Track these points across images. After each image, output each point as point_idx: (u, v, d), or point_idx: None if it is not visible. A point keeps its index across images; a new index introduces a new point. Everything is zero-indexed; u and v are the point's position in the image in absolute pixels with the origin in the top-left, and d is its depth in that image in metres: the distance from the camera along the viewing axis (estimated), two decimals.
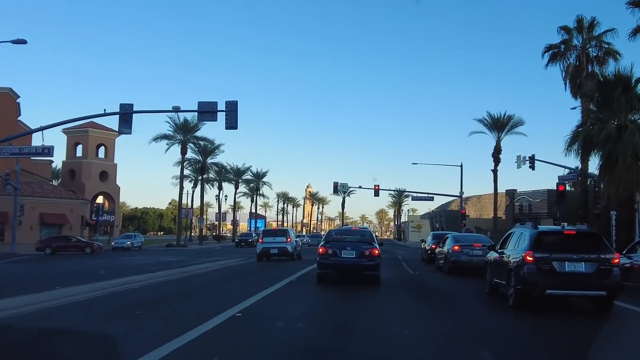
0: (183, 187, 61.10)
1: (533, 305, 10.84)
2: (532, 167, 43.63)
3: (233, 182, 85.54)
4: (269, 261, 26.89)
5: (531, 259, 10.73)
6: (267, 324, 8.29)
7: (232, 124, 25.55)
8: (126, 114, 25.55)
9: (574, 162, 52.26)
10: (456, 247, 20.27)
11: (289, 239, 27.34)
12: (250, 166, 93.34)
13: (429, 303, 12.08)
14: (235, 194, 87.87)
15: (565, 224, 12.25)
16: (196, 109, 26.29)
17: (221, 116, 26.46)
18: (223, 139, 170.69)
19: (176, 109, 26.93)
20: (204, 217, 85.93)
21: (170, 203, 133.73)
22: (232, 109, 25.45)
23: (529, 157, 44.02)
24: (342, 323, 8.78)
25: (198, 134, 61.90)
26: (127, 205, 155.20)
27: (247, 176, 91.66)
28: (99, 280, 15.36)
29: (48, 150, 31.33)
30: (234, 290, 13.60)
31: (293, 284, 15.35)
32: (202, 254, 40.00)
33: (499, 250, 13.05)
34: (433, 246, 25.73)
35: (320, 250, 14.94)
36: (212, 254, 37.99)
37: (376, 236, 19.99)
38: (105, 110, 27.13)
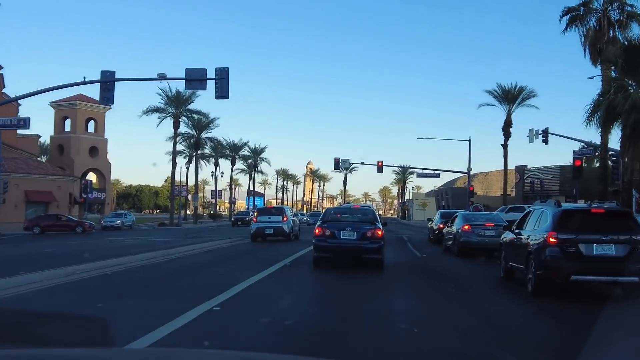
0: (176, 164, 60.13)
1: (555, 292, 10.13)
2: (546, 141, 42.95)
3: (229, 159, 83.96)
4: (264, 242, 26.36)
5: (554, 240, 10.04)
6: (248, 321, 7.16)
7: (222, 93, 24.32)
8: (108, 82, 24.28)
9: (594, 134, 50.97)
10: (466, 227, 19.36)
11: (285, 218, 26.47)
12: (248, 141, 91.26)
13: (439, 291, 11.20)
14: (232, 170, 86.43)
15: (596, 202, 11.08)
16: (184, 76, 24.92)
17: (211, 86, 25.17)
18: (218, 112, 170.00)
19: (162, 77, 25.61)
20: (199, 195, 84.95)
21: (166, 180, 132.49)
22: (222, 76, 24.19)
23: (542, 131, 43.24)
24: (338, 319, 7.70)
25: (192, 106, 60.69)
26: (122, 182, 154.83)
27: (245, 152, 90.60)
28: (71, 264, 14.33)
29: (24, 122, 30.12)
30: (217, 277, 12.55)
31: (287, 269, 14.48)
32: (194, 233, 39.39)
33: (516, 231, 12.34)
34: (441, 225, 24.82)
35: (317, 231, 13.97)
36: (205, 234, 37.44)
37: (379, 215, 19.10)
38: (85, 78, 25.85)
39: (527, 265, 10.81)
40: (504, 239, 12.91)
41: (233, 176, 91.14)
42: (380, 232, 13.82)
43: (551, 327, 7.58)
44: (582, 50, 39.02)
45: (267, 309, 8.22)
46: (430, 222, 28.78)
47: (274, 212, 27.12)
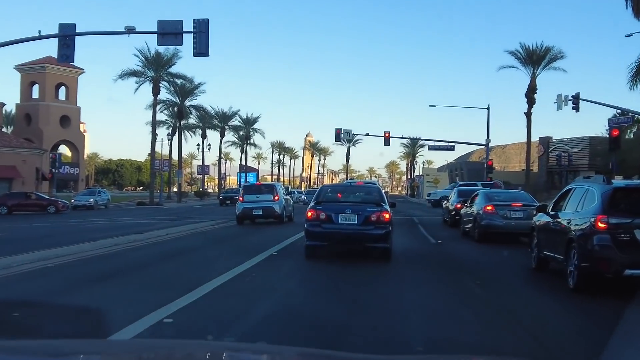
0: (157, 135, 58.82)
1: (603, 287, 9.35)
2: (576, 108, 41.56)
3: (218, 129, 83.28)
4: (252, 224, 25.84)
5: (604, 225, 9.25)
6: (202, 338, 5.61)
7: (201, 49, 22.77)
8: (67, 37, 22.58)
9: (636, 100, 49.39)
10: (489, 208, 18.32)
11: (276, 197, 25.84)
12: (238, 110, 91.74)
13: (462, 290, 9.92)
14: (221, 142, 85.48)
15: None
16: (155, 30, 23.21)
17: (190, 42, 23.49)
18: (205, 77, 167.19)
19: (130, 30, 23.90)
20: (186, 170, 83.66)
21: (149, 154, 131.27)
22: (201, 29, 22.56)
23: (572, 96, 41.99)
24: (332, 333, 6.19)
25: (173, 70, 59.12)
26: (100, 156, 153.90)
27: (235, 122, 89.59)
28: (17, 253, 13.02)
29: None
30: (182, 273, 11.17)
31: (272, 261, 13.32)
32: (175, 214, 38.81)
33: (552, 213, 11.59)
34: (458, 205, 23.87)
35: (309, 213, 12.91)
36: (187, 215, 36.87)
37: (386, 192, 18.04)
38: (40, 32, 24.08)
39: (568, 256, 10.03)
40: (537, 223, 12.22)
41: (223, 149, 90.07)
42: (387, 215, 12.81)
43: (602, 334, 6.22)
44: (620, 1, 37.09)
45: (233, 323, 6.71)
46: (446, 202, 27.74)
47: (263, 190, 26.48)
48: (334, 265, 12.48)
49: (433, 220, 30.17)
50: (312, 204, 13.42)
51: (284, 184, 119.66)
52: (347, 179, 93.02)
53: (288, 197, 29.80)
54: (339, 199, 13.93)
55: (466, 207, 21.02)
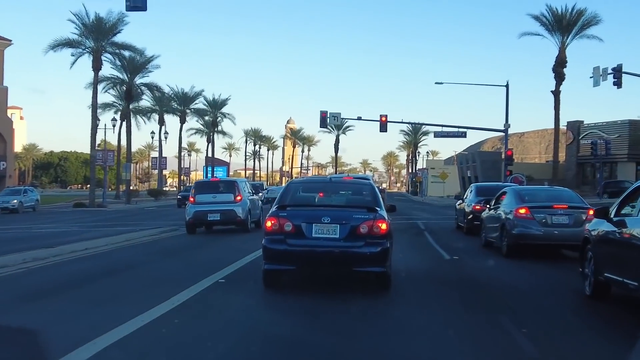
0: (98, 120, 56.00)
1: None
2: (618, 82, 40.71)
3: (178, 114, 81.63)
4: (208, 233, 25.14)
5: None
6: None
7: (137, 1, 20.13)
8: None
9: None
10: (522, 211, 16.67)
11: (238, 197, 24.43)
12: (203, 90, 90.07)
13: (505, 347, 7.61)
14: (182, 130, 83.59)
15: None
16: None
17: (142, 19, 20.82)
18: (159, 50, 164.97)
19: None
20: (140, 164, 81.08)
21: (99, 145, 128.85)
22: None
23: (614, 69, 40.82)
24: None
25: (119, 39, 56.69)
26: (40, 148, 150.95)
27: (199, 105, 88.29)
28: None
29: None
30: (56, 324, 8.49)
31: (215, 293, 11.26)
32: (118, 219, 38.06)
33: (617, 219, 10.28)
34: (477, 207, 22.50)
35: (269, 223, 11.02)
36: (133, 219, 36.24)
37: (383, 190, 15.84)
38: None
39: None
40: (594, 233, 11.05)
41: (185, 138, 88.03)
42: (384, 225, 10.92)
43: None
44: None
45: None
46: (460, 202, 26.43)
47: (222, 189, 25.32)
48: (306, 301, 10.52)
49: (443, 226, 29.50)
50: (273, 208, 11.43)
51: (260, 180, 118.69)
52: (336, 174, 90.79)
53: (255, 196, 28.71)
54: (314, 202, 12.21)
55: (489, 209, 19.48)
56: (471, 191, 25.22)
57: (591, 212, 15.63)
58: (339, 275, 11.96)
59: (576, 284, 11.45)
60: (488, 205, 19.82)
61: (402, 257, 15.32)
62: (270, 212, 11.48)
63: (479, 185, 26.92)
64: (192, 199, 24.74)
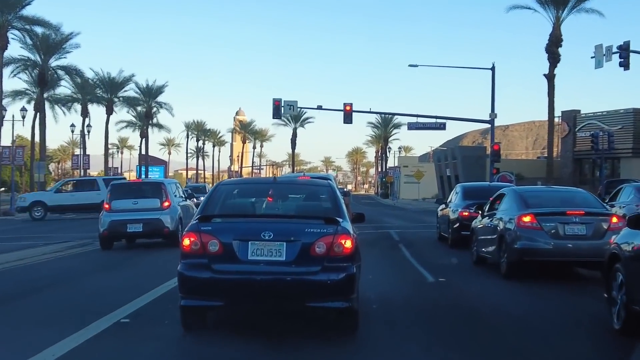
0: (4, 110, 54.01)
1: None
2: (625, 63, 40.40)
3: (104, 103, 79.82)
4: (129, 248, 24.40)
5: None
6: None
7: None
8: None
9: None
10: (527, 218, 15.84)
11: (166, 203, 23.64)
12: (134, 75, 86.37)
13: None
14: (108, 122, 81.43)
15: None
16: None
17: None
18: (81, 27, 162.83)
19: None
20: (62, 163, 78.96)
21: (15, 140, 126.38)
22: None
23: (620, 47, 40.40)
24: None
25: (28, 12, 55.41)
26: None
27: (130, 92, 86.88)
28: None
29: None
30: None
31: (111, 343, 9.98)
32: (25, 228, 37.19)
33: None
34: (465, 213, 22.01)
35: (186, 241, 9.84)
36: (42, 230, 34.81)
37: (347, 192, 14.91)
38: None
39: None
40: (627, 248, 10.37)
41: (115, 133, 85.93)
42: (348, 243, 9.77)
43: None
44: None
45: None
46: (443, 208, 25.93)
47: (146, 193, 24.75)
48: (239, 352, 9.45)
49: (422, 236, 29.12)
50: (193, 220, 10.25)
51: (205, 182, 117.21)
52: (294, 173, 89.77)
53: (189, 202, 28.04)
54: (252, 211, 11.24)
55: (482, 216, 18.74)
56: (457, 193, 24.74)
57: (615, 219, 15.21)
58: (286, 313, 10.73)
59: (600, 313, 11.03)
60: (480, 212, 19.11)
61: (372, 279, 14.44)
62: (188, 225, 10.20)
63: (467, 186, 26.31)
64: (106, 206, 23.72)
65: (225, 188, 11.62)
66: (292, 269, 9.54)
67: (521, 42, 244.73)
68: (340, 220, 10.02)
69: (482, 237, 18.25)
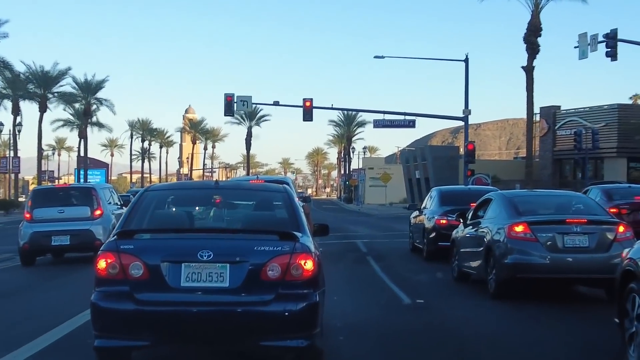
0: None
1: None
2: (613, 53, 40.43)
3: (37, 99, 78.26)
4: (55, 263, 23.77)
5: None
6: None
7: None
8: None
9: None
10: (519, 228, 15.05)
11: (98, 211, 22.84)
12: (70, 69, 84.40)
13: None
14: (41, 120, 79.64)
15: None
16: None
17: None
18: (8, 14, 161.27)
19: None
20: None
21: None
22: None
23: (606, 35, 40.51)
24: None
25: None
26: None
27: (66, 87, 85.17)
28: None
29: None
30: None
31: None
32: None
33: None
34: (443, 221, 21.45)
35: (102, 262, 8.68)
36: None
37: (309, 197, 13.87)
38: None
39: None
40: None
41: (51, 132, 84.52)
42: (309, 264, 8.76)
43: None
44: None
45: None
46: (417, 215, 25.28)
47: (74, 199, 23.99)
48: None
49: (392, 246, 28.56)
50: (111, 237, 9.18)
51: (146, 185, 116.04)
52: (249, 176, 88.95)
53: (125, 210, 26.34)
54: (186, 224, 10.04)
55: (465, 225, 17.99)
56: (432, 198, 24.14)
57: (621, 228, 14.54)
58: (230, 355, 9.67)
59: (610, 341, 10.40)
60: (462, 220, 18.39)
61: (338, 301, 13.65)
62: (105, 243, 9.15)
63: (444, 190, 25.76)
64: (27, 215, 22.94)
65: (153, 195, 10.45)
66: (238, 298, 8.51)
67: (495, 34, 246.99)
68: (299, 235, 8.98)
69: (465, 250, 17.56)
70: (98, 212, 22.93)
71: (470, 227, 17.38)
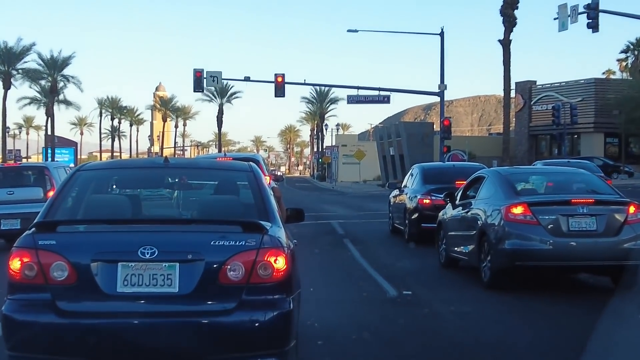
0: None
1: None
2: (594, 24, 39.32)
3: (1, 77, 76.87)
4: (8, 251, 21.29)
5: None
6: None
7: None
8: None
9: None
10: (518, 209, 13.69)
11: (51, 193, 20.81)
12: (34, 44, 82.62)
13: None
14: (5, 98, 78.47)
15: None
16: None
17: None
18: None
19: None
20: None
21: None
22: None
23: (587, 7, 39.26)
24: None
25: None
26: None
27: (31, 64, 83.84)
28: None
29: None
30: None
31: None
32: None
33: None
34: (426, 201, 20.34)
35: (16, 262, 7.11)
36: None
37: (280, 176, 12.40)
38: None
39: None
40: None
41: (17, 111, 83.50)
42: (280, 261, 7.23)
43: None
44: None
45: None
46: (398, 194, 24.05)
47: (25, 180, 23.06)
48: None
49: (370, 228, 27.31)
50: (29, 230, 7.41)
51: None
52: (221, 153, 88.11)
53: None
54: (123, 212, 8.20)
55: (454, 205, 16.66)
56: (414, 176, 22.78)
57: (632, 208, 13.23)
58: None
59: (634, 337, 9.90)
60: (450, 200, 17.05)
61: (314, 293, 12.31)
62: (20, 237, 7.37)
63: (426, 167, 24.43)
64: None
65: (86, 176, 8.58)
66: (190, 307, 7.02)
67: (469, 7, 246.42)
68: (268, 225, 7.38)
69: (454, 234, 16.25)
70: (52, 194, 21.39)
71: (460, 208, 16.04)
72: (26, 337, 6.98)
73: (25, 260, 6.91)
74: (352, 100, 58.43)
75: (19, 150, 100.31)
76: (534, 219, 13.40)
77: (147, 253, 6.79)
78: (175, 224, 7.85)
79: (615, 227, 12.96)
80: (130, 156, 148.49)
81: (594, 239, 13.11)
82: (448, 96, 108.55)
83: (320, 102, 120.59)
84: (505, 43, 52.84)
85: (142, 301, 6.88)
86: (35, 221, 7.56)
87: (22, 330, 6.97)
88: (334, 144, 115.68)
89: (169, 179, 9.30)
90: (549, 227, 13.28)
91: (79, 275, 6.87)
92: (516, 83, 68.61)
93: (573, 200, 13.58)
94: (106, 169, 10.23)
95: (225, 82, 66.08)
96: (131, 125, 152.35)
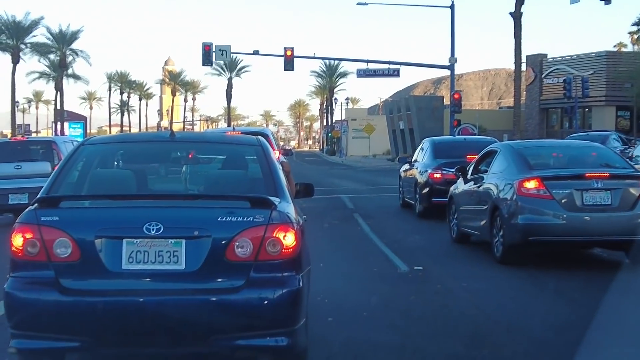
0: None
1: None
2: None
3: (10, 50, 76.39)
4: (10, 225, 20.87)
5: None
6: None
7: None
8: None
9: None
10: (531, 184, 13.57)
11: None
12: (42, 18, 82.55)
13: None
14: (14, 72, 77.54)
15: None
16: None
17: None
18: None
19: None
20: None
21: None
22: None
23: None
24: None
25: None
26: None
27: (40, 38, 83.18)
28: None
29: None
30: None
31: None
32: None
33: None
34: (437, 175, 20.29)
35: (18, 238, 6.93)
36: None
37: (290, 150, 12.84)
38: None
39: None
40: None
41: (27, 85, 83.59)
42: (290, 237, 7.05)
43: None
44: None
45: None
46: (408, 169, 23.99)
47: (32, 154, 22.80)
48: None
49: (380, 203, 27.10)
50: (31, 206, 7.25)
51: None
52: (230, 127, 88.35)
53: None
54: (128, 187, 8.03)
55: (465, 180, 16.46)
56: (424, 150, 22.65)
57: None
58: (190, 358, 7.98)
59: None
60: (462, 174, 16.82)
61: (323, 269, 12.02)
62: (23, 213, 7.19)
63: (437, 141, 24.18)
64: None
65: (91, 150, 8.43)
66: (197, 284, 6.82)
67: None
68: (276, 200, 7.20)
69: (466, 208, 16.03)
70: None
71: (472, 182, 15.82)
72: (29, 316, 6.87)
73: (28, 236, 6.77)
74: (361, 73, 58.28)
75: (29, 124, 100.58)
76: (547, 194, 13.21)
77: (153, 229, 6.64)
78: (182, 199, 7.68)
79: (631, 202, 12.83)
80: (140, 130, 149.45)
81: (608, 214, 12.93)
82: (458, 70, 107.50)
83: (330, 76, 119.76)
84: (516, 15, 51.77)
85: (148, 278, 6.76)
86: (37, 196, 7.39)
87: (25, 309, 6.86)
88: (343, 118, 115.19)
89: (177, 153, 9.14)
90: (563, 201, 13.11)
91: (82, 252, 6.75)
92: (527, 56, 68.01)
93: (587, 175, 13.38)
94: (111, 143, 9.99)
95: (234, 55, 65.74)
96: (140, 100, 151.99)
